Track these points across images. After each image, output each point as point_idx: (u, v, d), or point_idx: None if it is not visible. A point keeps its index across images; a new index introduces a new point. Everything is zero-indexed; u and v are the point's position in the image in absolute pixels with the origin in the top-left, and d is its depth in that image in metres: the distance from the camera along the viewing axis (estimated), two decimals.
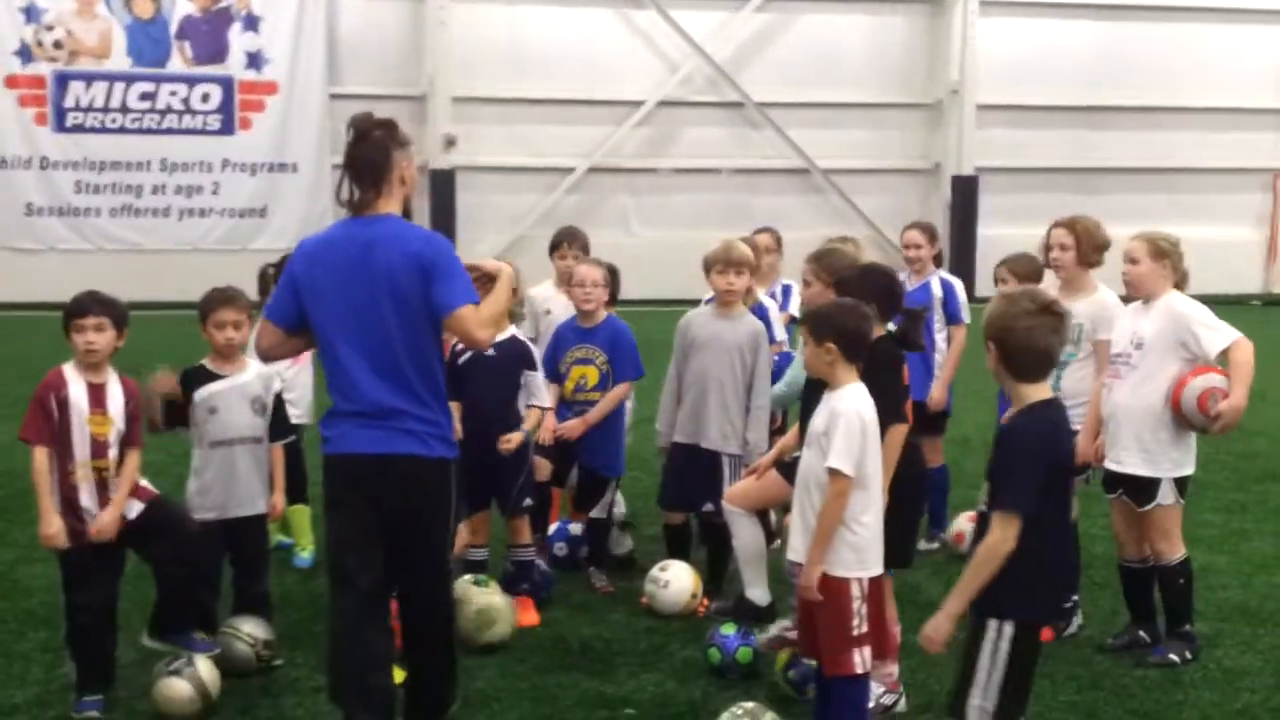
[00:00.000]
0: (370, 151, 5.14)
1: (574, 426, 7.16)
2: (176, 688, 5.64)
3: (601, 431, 7.27)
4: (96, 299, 5.77)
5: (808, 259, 6.39)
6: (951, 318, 8.26)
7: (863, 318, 5.27)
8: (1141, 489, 6.33)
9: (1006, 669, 4.46)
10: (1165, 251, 6.35)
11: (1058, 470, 4.53)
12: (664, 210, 22.57)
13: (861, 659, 5.12)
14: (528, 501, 6.93)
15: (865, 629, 5.11)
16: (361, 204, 5.15)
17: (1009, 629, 4.46)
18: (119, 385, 5.78)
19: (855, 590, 5.10)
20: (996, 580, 4.41)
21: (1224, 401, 6.11)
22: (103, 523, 5.63)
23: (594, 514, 7.37)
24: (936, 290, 8.28)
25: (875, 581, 5.17)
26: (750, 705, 5.43)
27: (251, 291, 6.65)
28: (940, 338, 8.25)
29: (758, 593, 6.31)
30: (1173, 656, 6.34)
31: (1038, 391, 4.64)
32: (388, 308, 4.94)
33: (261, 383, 6.27)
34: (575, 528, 7.53)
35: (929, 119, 24.71)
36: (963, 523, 7.87)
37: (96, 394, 5.70)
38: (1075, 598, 6.79)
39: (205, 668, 5.72)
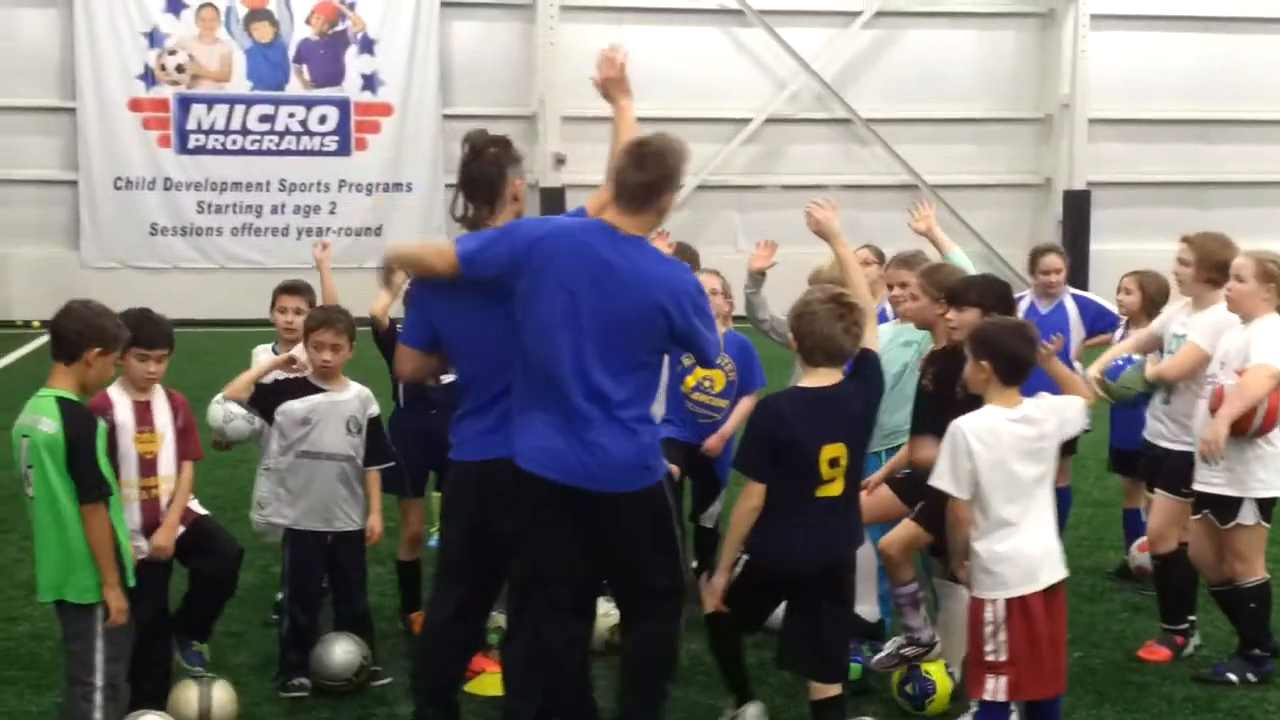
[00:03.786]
0: (485, 168, 5.26)
1: (716, 445, 7.24)
2: (187, 694, 5.76)
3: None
4: (165, 332, 5.77)
5: (916, 273, 6.49)
6: (1104, 320, 8.16)
7: (1023, 340, 5.25)
8: (1224, 508, 6.28)
9: (735, 589, 5.37)
10: (1272, 274, 6.24)
11: (782, 447, 5.14)
12: (772, 227, 22.31)
13: (994, 687, 5.06)
14: None
15: (1003, 657, 5.04)
16: (475, 220, 5.28)
17: (742, 560, 5.33)
18: (165, 400, 5.80)
19: (987, 614, 5.08)
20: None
21: (1206, 428, 6.09)
22: (160, 543, 5.69)
23: (704, 523, 7.47)
24: (1072, 310, 8.18)
25: (1023, 604, 5.07)
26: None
27: (355, 311, 6.72)
28: (1079, 365, 8.14)
29: (866, 609, 6.35)
30: (1231, 676, 6.29)
31: (810, 378, 5.25)
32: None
33: (359, 403, 6.33)
34: None
35: (1039, 133, 24.46)
36: (1138, 555, 7.74)
37: (142, 412, 5.70)
38: (1192, 618, 6.74)
39: (220, 692, 5.80)
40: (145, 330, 5.68)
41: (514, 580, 5.29)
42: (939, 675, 5.97)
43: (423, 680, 5.53)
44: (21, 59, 21.49)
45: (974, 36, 24.11)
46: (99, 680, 5.07)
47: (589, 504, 4.96)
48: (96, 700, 5.07)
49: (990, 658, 5.06)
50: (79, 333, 5.09)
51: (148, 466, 5.68)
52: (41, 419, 4.99)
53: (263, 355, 7.06)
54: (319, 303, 7.11)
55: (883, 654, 6.10)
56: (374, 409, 6.42)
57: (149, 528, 5.69)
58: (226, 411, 6.74)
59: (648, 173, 5.00)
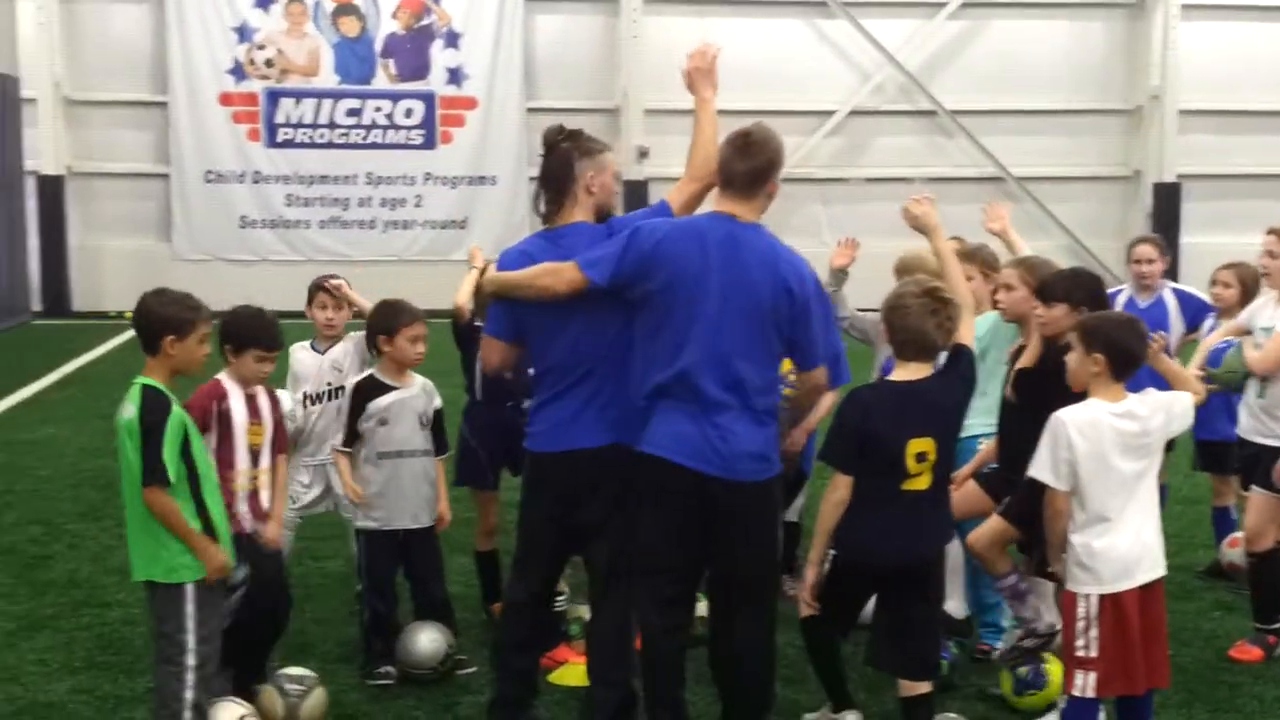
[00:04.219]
0: (552, 163, 5.32)
1: (799, 439, 7.20)
2: (273, 703, 5.73)
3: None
4: (281, 333, 5.85)
5: (1011, 264, 6.43)
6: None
7: (1136, 335, 5.19)
8: None
9: (825, 586, 5.35)
10: None
11: (867, 440, 5.12)
12: (856, 219, 22.37)
13: (1082, 682, 5.03)
14: None
15: (1093, 653, 5.00)
16: (547, 214, 5.35)
17: (830, 556, 5.28)
18: (264, 393, 5.88)
19: (1080, 609, 5.04)
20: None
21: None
22: (272, 534, 5.72)
23: (788, 517, 7.43)
24: (1171, 304, 8.00)
25: (1116, 601, 5.02)
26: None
27: (441, 304, 6.71)
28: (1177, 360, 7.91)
29: (954, 605, 6.30)
30: None
31: (900, 372, 5.23)
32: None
33: (426, 397, 6.40)
34: None
35: (1128, 125, 24.14)
36: (1229, 552, 7.66)
37: (252, 404, 5.76)
38: None
39: (312, 703, 5.77)
40: (268, 334, 5.78)
41: (604, 567, 5.34)
42: (1054, 676, 5.85)
43: (509, 659, 5.58)
44: (114, 54, 21.91)
45: (1062, 27, 23.83)
46: (191, 660, 5.15)
47: (711, 491, 5.00)
48: (188, 680, 5.15)
49: (1080, 653, 5.02)
50: (149, 324, 5.20)
51: (254, 458, 5.77)
52: (127, 405, 5.13)
53: (300, 353, 7.05)
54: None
55: (1004, 647, 6.05)
56: (438, 401, 6.49)
57: (252, 516, 5.75)
58: None
59: (754, 160, 5.12)
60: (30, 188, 21.28)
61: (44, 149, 21.43)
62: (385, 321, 6.34)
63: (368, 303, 6.88)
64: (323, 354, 6.99)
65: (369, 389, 6.31)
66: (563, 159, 5.32)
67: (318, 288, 7.11)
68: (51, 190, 21.59)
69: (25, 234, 21.05)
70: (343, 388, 6.78)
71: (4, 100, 20.12)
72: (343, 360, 6.95)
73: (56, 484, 10.13)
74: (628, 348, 5.20)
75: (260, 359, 5.74)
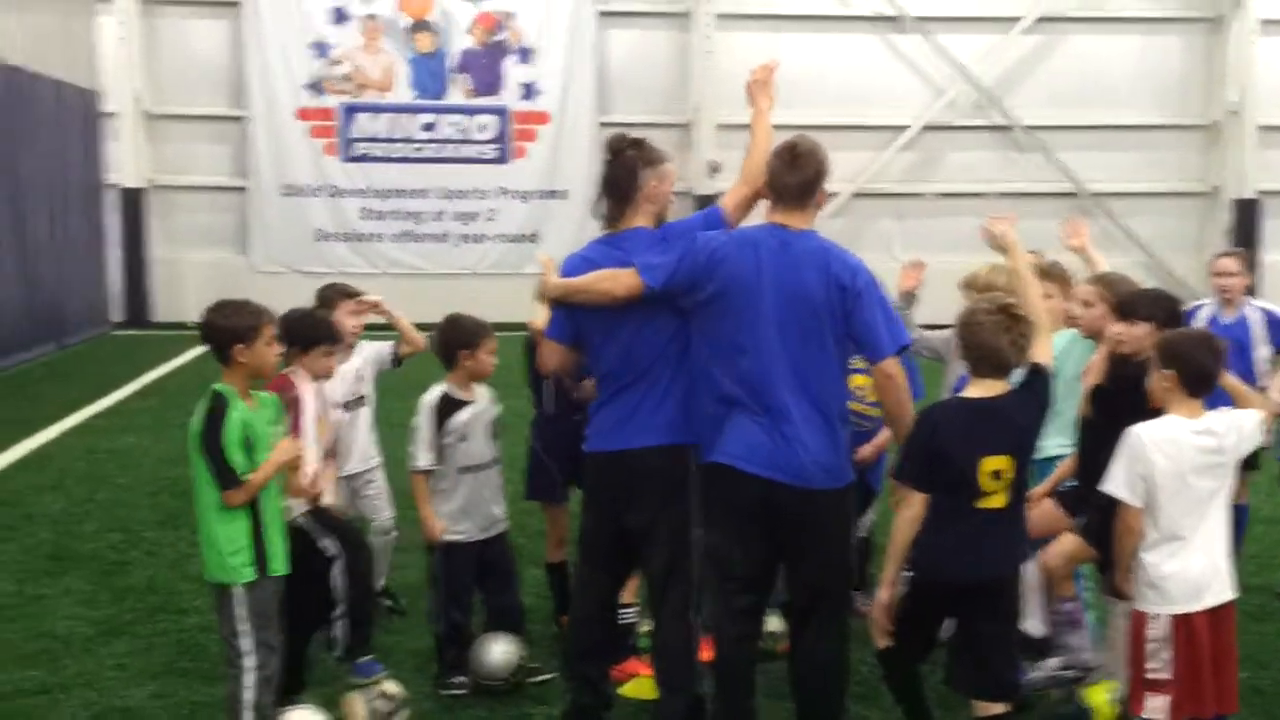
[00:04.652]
0: (617, 169, 5.44)
1: (870, 454, 7.16)
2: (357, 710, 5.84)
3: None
4: (339, 328, 6.27)
5: (1090, 281, 6.39)
6: None
7: (1210, 352, 5.15)
8: None
9: (899, 609, 5.24)
10: None
11: (936, 457, 5.02)
12: (928, 235, 22.22)
13: (1154, 705, 4.97)
14: None
15: (1166, 676, 4.95)
16: (610, 219, 5.47)
17: (904, 580, 5.20)
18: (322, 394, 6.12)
19: (1151, 630, 4.99)
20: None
21: None
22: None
23: (857, 532, 7.37)
24: (1255, 321, 7.88)
25: (1188, 622, 4.97)
26: None
27: (512, 317, 6.85)
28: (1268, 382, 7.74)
29: (1032, 623, 6.25)
30: None
31: (973, 389, 5.13)
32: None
33: (490, 406, 6.49)
34: None
35: (1206, 141, 23.83)
36: None
37: (321, 401, 6.02)
38: None
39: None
40: (328, 328, 6.14)
41: (661, 574, 5.41)
42: (1098, 702, 5.81)
43: (578, 667, 5.64)
44: (194, 69, 22.22)
45: (1138, 42, 23.57)
46: (248, 662, 5.27)
47: (780, 499, 5.06)
48: (246, 681, 5.27)
49: (1152, 675, 4.97)
50: (217, 338, 5.36)
51: (321, 452, 5.95)
52: (197, 411, 5.27)
53: None
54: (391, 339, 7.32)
55: (1039, 674, 5.99)
56: (498, 406, 6.59)
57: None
58: None
59: (803, 172, 5.24)
60: (112, 201, 21.64)
61: (125, 162, 21.78)
62: (468, 336, 6.42)
63: (401, 315, 7.11)
64: (343, 364, 7.04)
65: (448, 406, 6.36)
66: (628, 167, 5.43)
67: (342, 295, 7.17)
68: (132, 203, 21.92)
69: (106, 246, 21.40)
70: (363, 398, 7.04)
71: (86, 114, 20.48)
72: (365, 370, 7.15)
73: (136, 492, 10.30)
74: (681, 352, 5.30)
75: (328, 353, 6.03)
